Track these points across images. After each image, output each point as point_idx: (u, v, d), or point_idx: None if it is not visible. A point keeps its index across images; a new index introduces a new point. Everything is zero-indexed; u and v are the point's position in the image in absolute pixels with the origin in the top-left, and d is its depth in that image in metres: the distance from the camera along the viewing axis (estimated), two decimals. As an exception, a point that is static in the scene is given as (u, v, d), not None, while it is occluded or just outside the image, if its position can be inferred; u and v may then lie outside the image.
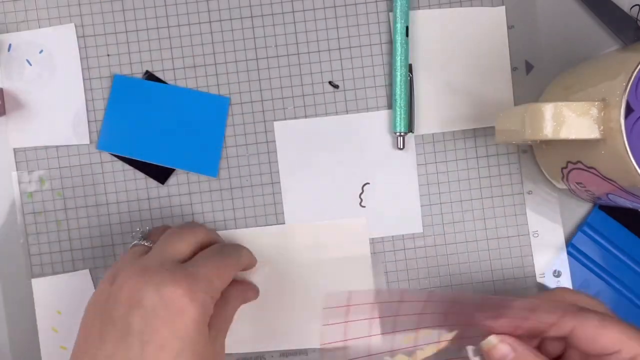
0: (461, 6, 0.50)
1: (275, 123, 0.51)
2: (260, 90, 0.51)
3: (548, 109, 0.38)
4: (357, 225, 0.51)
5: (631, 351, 0.38)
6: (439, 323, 0.42)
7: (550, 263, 0.50)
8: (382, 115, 0.51)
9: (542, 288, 0.51)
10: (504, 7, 0.50)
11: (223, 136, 0.51)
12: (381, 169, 0.51)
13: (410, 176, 0.51)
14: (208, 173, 0.51)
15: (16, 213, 0.51)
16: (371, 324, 0.43)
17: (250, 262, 0.48)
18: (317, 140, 0.51)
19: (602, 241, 0.50)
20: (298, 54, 0.51)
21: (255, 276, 0.50)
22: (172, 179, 0.51)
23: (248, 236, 0.51)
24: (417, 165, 0.51)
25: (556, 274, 0.50)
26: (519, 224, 0.51)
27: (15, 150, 0.51)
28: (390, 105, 0.51)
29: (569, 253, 0.50)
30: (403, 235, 0.51)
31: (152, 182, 0.51)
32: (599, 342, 0.39)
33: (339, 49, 0.51)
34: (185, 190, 0.51)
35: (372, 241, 0.51)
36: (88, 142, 0.51)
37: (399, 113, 0.50)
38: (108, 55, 0.51)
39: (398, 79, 0.50)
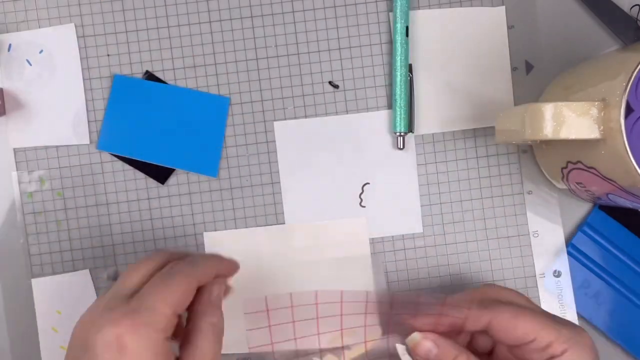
0: (461, 6, 0.50)
1: (275, 123, 0.51)
2: (260, 90, 0.51)
3: (548, 109, 0.38)
4: (357, 225, 0.51)
5: (545, 339, 0.40)
6: (360, 323, 0.44)
7: (550, 263, 0.50)
8: (382, 115, 0.51)
9: (542, 288, 0.51)
10: (504, 7, 0.50)
11: (223, 136, 0.51)
12: (381, 169, 0.51)
13: (410, 176, 0.51)
14: (208, 173, 0.51)
15: (16, 213, 0.51)
16: (295, 327, 0.44)
17: (219, 270, 0.44)
18: (317, 140, 0.51)
19: (602, 241, 0.50)
20: (298, 54, 0.51)
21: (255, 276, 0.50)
22: (172, 179, 0.51)
23: (248, 236, 0.51)
24: (417, 165, 0.51)
25: (556, 274, 0.50)
26: (519, 224, 0.51)
27: (15, 150, 0.51)
28: (390, 105, 0.51)
29: (569, 253, 0.50)
30: (403, 235, 0.51)
31: (152, 182, 0.51)
32: (513, 333, 0.41)
33: (339, 49, 0.51)
34: (185, 190, 0.51)
35: (372, 241, 0.51)
36: (88, 142, 0.51)
37: (399, 113, 0.50)
38: (108, 55, 0.51)
39: (398, 79, 0.50)
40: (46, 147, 0.51)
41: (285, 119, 0.51)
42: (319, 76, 0.51)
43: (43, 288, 0.51)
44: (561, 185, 0.47)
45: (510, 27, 0.51)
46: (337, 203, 0.51)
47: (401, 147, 0.50)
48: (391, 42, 0.50)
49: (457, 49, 0.50)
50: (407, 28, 0.50)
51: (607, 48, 0.50)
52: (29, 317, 0.51)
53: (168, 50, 0.51)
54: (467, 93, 0.50)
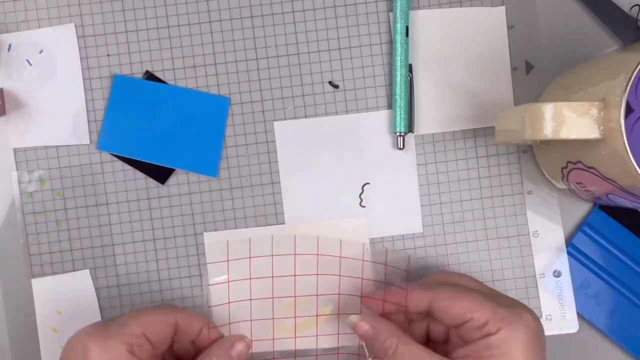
0: (461, 6, 0.50)
1: (275, 123, 0.51)
2: (260, 90, 0.51)
3: (548, 109, 0.38)
4: (357, 225, 0.51)
5: (481, 318, 0.41)
6: (313, 291, 0.48)
7: (550, 263, 0.50)
8: (382, 115, 0.51)
9: (542, 288, 0.51)
10: (504, 7, 0.50)
11: (223, 136, 0.51)
12: (381, 169, 0.51)
13: (410, 176, 0.51)
14: (208, 173, 0.51)
15: (16, 213, 0.51)
16: (251, 284, 0.49)
17: (203, 323, 0.46)
18: (317, 140, 0.51)
19: (602, 241, 0.50)
20: (298, 54, 0.51)
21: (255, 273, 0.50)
22: (172, 179, 0.51)
23: (248, 236, 0.51)
24: (417, 165, 0.51)
25: (556, 273, 0.50)
26: (519, 224, 0.51)
27: (15, 150, 0.51)
28: (390, 105, 0.51)
29: (569, 253, 0.50)
30: (403, 235, 0.51)
31: (152, 182, 0.51)
32: (451, 312, 0.42)
33: (339, 49, 0.51)
34: (185, 190, 0.51)
35: (372, 241, 0.51)
36: (88, 142, 0.51)
37: (399, 113, 0.50)
38: (108, 55, 0.51)
39: (398, 79, 0.50)
40: (46, 147, 0.51)
41: (285, 119, 0.51)
42: (319, 76, 0.51)
43: (43, 288, 0.51)
44: (561, 185, 0.47)
45: (510, 27, 0.50)
46: (337, 203, 0.51)
47: (401, 147, 0.50)
48: (391, 42, 0.50)
49: (457, 49, 0.50)
50: (407, 28, 0.50)
51: (607, 48, 0.50)
52: (29, 317, 0.51)
53: (168, 50, 0.51)
54: (467, 93, 0.50)
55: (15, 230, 0.51)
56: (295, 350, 0.50)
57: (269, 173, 0.51)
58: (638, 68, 0.37)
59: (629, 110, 0.37)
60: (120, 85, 0.51)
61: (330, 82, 0.51)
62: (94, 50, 0.51)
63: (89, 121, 0.51)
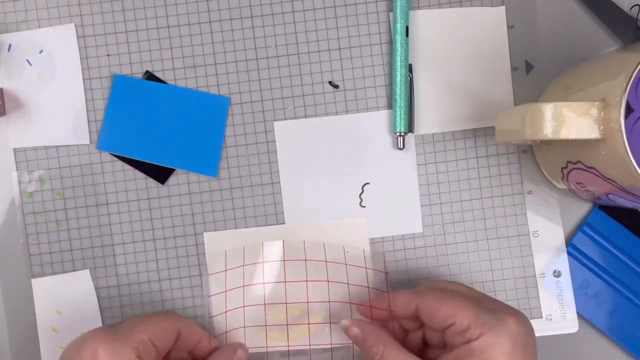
0: (461, 6, 0.50)
1: (275, 123, 0.51)
2: (260, 90, 0.51)
3: (548, 109, 0.38)
4: (357, 225, 0.51)
5: (464, 323, 0.41)
6: (304, 300, 0.49)
7: (550, 263, 0.50)
8: (382, 115, 0.51)
9: (542, 288, 0.51)
10: (504, 7, 0.50)
11: (223, 136, 0.51)
12: (381, 169, 0.51)
13: (410, 176, 0.51)
14: (208, 173, 0.51)
15: (16, 213, 0.51)
16: (244, 291, 0.49)
17: (192, 332, 0.47)
18: (317, 140, 0.51)
19: (602, 241, 0.50)
20: (298, 54, 0.51)
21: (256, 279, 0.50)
22: (172, 179, 0.51)
23: (248, 236, 0.51)
24: (417, 165, 0.51)
25: (556, 274, 0.50)
26: (519, 224, 0.51)
27: (15, 150, 0.51)
28: (390, 105, 0.51)
29: (569, 253, 0.50)
30: (403, 235, 0.51)
31: (152, 182, 0.51)
32: (436, 316, 0.42)
33: (339, 49, 0.51)
34: (185, 190, 0.51)
35: (372, 241, 0.51)
36: (88, 142, 0.51)
37: (399, 113, 0.50)
38: (108, 55, 0.51)
39: (398, 79, 0.50)
40: (46, 147, 0.51)
41: (285, 119, 0.51)
42: (319, 76, 0.51)
43: (43, 288, 0.51)
44: (561, 185, 0.47)
45: (510, 27, 0.50)
46: (337, 203, 0.51)
47: (401, 147, 0.50)
48: (391, 42, 0.50)
49: (457, 49, 0.50)
50: (407, 28, 0.50)
51: (607, 48, 0.50)
52: (29, 317, 0.51)
53: (168, 50, 0.51)
54: (467, 93, 0.50)
55: (15, 230, 0.51)
56: (288, 351, 0.50)
57: (269, 173, 0.51)
58: (638, 68, 0.37)
59: (629, 110, 0.37)
60: (120, 85, 0.51)
61: (330, 82, 0.51)
62: (94, 50, 0.51)
63: (89, 121, 0.51)
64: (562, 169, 0.44)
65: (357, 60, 0.51)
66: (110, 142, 0.51)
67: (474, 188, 0.51)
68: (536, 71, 0.51)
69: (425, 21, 0.50)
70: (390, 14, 0.50)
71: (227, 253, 0.50)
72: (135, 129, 0.50)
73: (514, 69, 0.51)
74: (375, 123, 0.51)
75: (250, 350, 0.49)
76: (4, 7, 0.51)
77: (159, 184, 0.51)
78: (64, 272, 0.51)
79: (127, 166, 0.51)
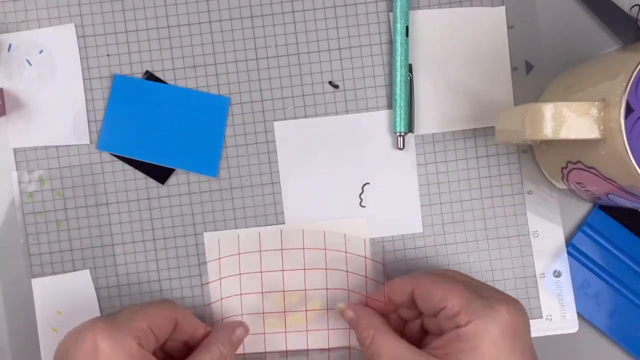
0: (461, 6, 0.50)
1: (275, 123, 0.51)
2: (260, 90, 0.51)
3: (548, 109, 0.38)
4: (357, 225, 0.51)
5: (455, 307, 0.41)
6: (301, 285, 0.49)
7: (550, 263, 0.50)
8: (382, 115, 0.51)
9: (542, 288, 0.51)
10: (504, 7, 0.50)
11: (223, 136, 0.51)
12: (381, 169, 0.51)
13: (410, 176, 0.51)
14: (208, 173, 0.51)
15: (16, 213, 0.51)
16: (241, 279, 0.50)
17: (189, 323, 0.47)
18: (317, 140, 0.51)
19: (602, 241, 0.50)
20: (298, 54, 0.51)
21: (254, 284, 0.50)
22: (172, 179, 0.51)
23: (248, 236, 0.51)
24: (417, 165, 0.51)
25: (556, 274, 0.50)
26: (519, 224, 0.51)
27: (15, 150, 0.51)
28: (390, 105, 0.51)
29: (569, 253, 0.50)
30: (403, 235, 0.51)
31: (152, 182, 0.51)
32: (430, 299, 0.42)
33: (339, 49, 0.51)
34: (185, 190, 0.51)
35: (372, 241, 0.51)
36: (88, 142, 0.51)
37: (399, 113, 0.50)
38: (108, 55, 0.51)
39: (398, 79, 0.50)
40: (46, 147, 0.51)
41: (285, 119, 0.51)
42: (319, 76, 0.51)
43: (43, 288, 0.51)
44: (561, 185, 0.47)
45: (510, 27, 0.50)
46: (337, 203, 0.51)
47: (401, 147, 0.50)
48: (391, 42, 0.50)
49: (457, 49, 0.50)
50: (407, 28, 0.50)
51: (607, 48, 0.50)
52: (29, 317, 0.51)
53: (168, 50, 0.51)
54: (467, 93, 0.50)
55: (15, 230, 0.51)
56: (286, 350, 0.50)
57: (269, 173, 0.51)
58: (638, 68, 0.37)
59: (629, 110, 0.37)
60: (120, 85, 0.51)
61: (330, 82, 0.51)
62: (94, 50, 0.51)
63: (89, 121, 0.51)
64: (562, 169, 0.44)
65: (357, 60, 0.51)
66: (110, 142, 0.51)
67: (474, 188, 0.51)
68: (536, 71, 0.51)
69: (425, 21, 0.50)
70: (390, 14, 0.50)
71: (220, 242, 0.50)
72: (135, 129, 0.50)
73: (514, 69, 0.51)
74: (375, 123, 0.51)
75: (249, 340, 0.49)
76: (4, 7, 0.51)
77: (159, 184, 0.51)
78: (64, 272, 0.51)
79: (127, 166, 0.51)
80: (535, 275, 0.51)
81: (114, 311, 0.46)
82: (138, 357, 0.42)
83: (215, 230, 0.51)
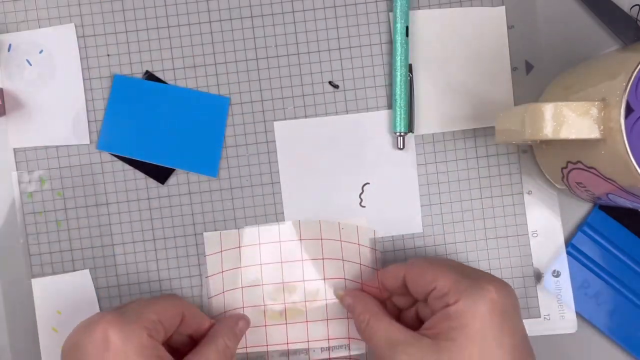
0: (461, 6, 0.50)
1: (275, 123, 0.51)
2: (260, 90, 0.51)
3: (548, 109, 0.38)
4: (360, 224, 0.51)
5: (444, 287, 0.42)
6: (300, 278, 0.49)
7: (550, 263, 0.50)
8: (382, 115, 0.51)
9: (542, 289, 0.51)
10: (504, 7, 0.50)
11: (223, 136, 0.51)
12: (381, 169, 0.51)
13: (410, 176, 0.51)
14: (208, 173, 0.51)
15: (16, 213, 0.51)
16: (241, 273, 0.50)
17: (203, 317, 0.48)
18: (317, 140, 0.51)
19: (602, 241, 0.50)
20: (298, 54, 0.51)
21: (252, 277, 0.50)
22: (172, 179, 0.51)
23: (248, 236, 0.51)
24: (417, 165, 0.51)
25: (555, 274, 0.50)
26: (519, 224, 0.51)
27: (15, 150, 0.51)
28: (390, 105, 0.51)
29: (569, 253, 0.50)
30: (403, 235, 0.51)
31: (152, 182, 0.51)
32: (420, 283, 0.44)
33: (339, 49, 0.51)
34: (185, 190, 0.51)
35: (372, 241, 0.51)
36: (88, 142, 0.51)
37: (399, 113, 0.50)
38: (108, 55, 0.51)
39: (398, 79, 0.50)
40: (46, 147, 0.51)
41: (285, 119, 0.51)
42: (319, 76, 0.51)
43: (43, 288, 0.51)
44: (561, 185, 0.47)
45: (510, 27, 0.51)
46: (337, 203, 0.51)
47: (401, 147, 0.50)
48: (391, 42, 0.50)
49: (457, 49, 0.50)
50: (407, 28, 0.50)
51: (607, 48, 0.50)
52: (29, 317, 0.51)
53: (168, 50, 0.51)
54: (467, 93, 0.50)
55: (15, 230, 0.51)
56: (287, 350, 0.50)
57: (269, 173, 0.51)
58: (638, 68, 0.37)
59: (629, 110, 0.37)
60: (120, 85, 0.51)
61: (330, 82, 0.51)
62: (94, 50, 0.51)
63: (89, 121, 0.51)
64: (562, 169, 0.44)
65: (357, 60, 0.51)
66: (110, 142, 0.51)
67: (474, 188, 0.51)
68: (536, 71, 0.51)
69: (425, 21, 0.51)
70: (390, 14, 0.50)
71: (222, 235, 0.50)
72: (135, 129, 0.50)
73: (514, 69, 0.51)
74: (375, 123, 0.51)
75: (250, 339, 0.49)
76: (4, 7, 0.51)
77: (159, 184, 0.51)
78: (64, 272, 0.51)
79: (127, 166, 0.51)
80: (534, 275, 0.51)
81: (121, 305, 0.46)
82: (149, 348, 0.42)
83: (215, 230, 0.51)
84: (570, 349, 0.50)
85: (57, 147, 0.51)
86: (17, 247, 0.51)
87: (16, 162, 0.51)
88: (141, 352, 0.41)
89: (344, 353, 0.50)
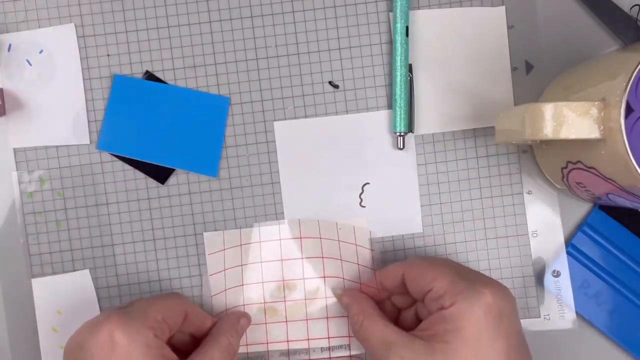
0: (461, 6, 0.50)
1: (275, 123, 0.51)
2: (260, 90, 0.51)
3: (548, 109, 0.38)
4: (357, 225, 0.51)
5: (440, 289, 0.42)
6: (300, 274, 0.50)
7: (550, 263, 0.50)
8: (382, 115, 0.51)
9: (542, 289, 0.51)
10: (504, 7, 0.50)
11: (223, 136, 0.51)
12: (381, 169, 0.51)
13: (410, 176, 0.51)
14: (208, 173, 0.51)
15: (16, 213, 0.51)
16: (242, 270, 0.50)
17: (198, 316, 0.48)
18: (317, 140, 0.51)
19: (602, 241, 0.50)
20: (298, 54, 0.51)
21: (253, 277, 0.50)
22: (172, 179, 0.51)
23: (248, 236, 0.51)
24: (417, 165, 0.51)
25: (555, 274, 0.50)
26: (519, 223, 0.51)
27: (15, 150, 0.51)
28: (390, 105, 0.51)
29: (568, 253, 0.50)
30: (403, 235, 0.51)
31: (152, 182, 0.51)
32: (418, 282, 0.44)
33: (339, 49, 0.51)
34: (185, 190, 0.51)
35: (372, 241, 0.51)
36: (88, 142, 0.51)
37: (399, 113, 0.50)
38: (108, 55, 0.51)
39: (398, 79, 0.50)
40: (46, 147, 0.51)
41: (285, 119, 0.51)
42: (319, 76, 0.51)
43: (43, 288, 0.51)
44: (561, 185, 0.47)
45: (510, 27, 0.51)
46: (337, 203, 0.51)
47: (401, 147, 0.50)
48: (391, 42, 0.50)
49: (457, 49, 0.50)
50: (407, 28, 0.50)
51: (607, 48, 0.50)
52: (29, 317, 0.51)
53: (168, 50, 0.51)
54: (467, 93, 0.50)
55: (15, 230, 0.51)
56: (288, 350, 0.50)
57: (269, 173, 0.51)
58: (638, 68, 0.37)
59: (629, 110, 0.37)
60: (120, 85, 0.51)
61: (330, 82, 0.51)
62: (94, 50, 0.51)
63: (89, 121, 0.51)
64: (562, 169, 0.44)
65: (357, 60, 0.51)
66: (110, 142, 0.51)
67: (474, 188, 0.51)
68: (536, 71, 0.51)
69: (425, 21, 0.51)
70: (390, 14, 0.50)
71: (223, 234, 0.50)
72: (135, 129, 0.50)
73: (514, 69, 0.51)
74: (375, 123, 0.51)
75: (251, 337, 0.49)
76: (4, 7, 0.51)
77: (159, 184, 0.51)
78: (64, 272, 0.51)
79: (127, 166, 0.51)
80: (534, 275, 0.51)
81: (124, 304, 0.46)
82: (155, 348, 0.42)
83: (215, 230, 0.51)
84: (570, 349, 0.50)
85: (57, 147, 0.51)
86: (17, 247, 0.51)
87: (16, 162, 0.51)
88: (147, 352, 0.41)
89: (344, 353, 0.50)
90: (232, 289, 0.50)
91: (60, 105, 0.51)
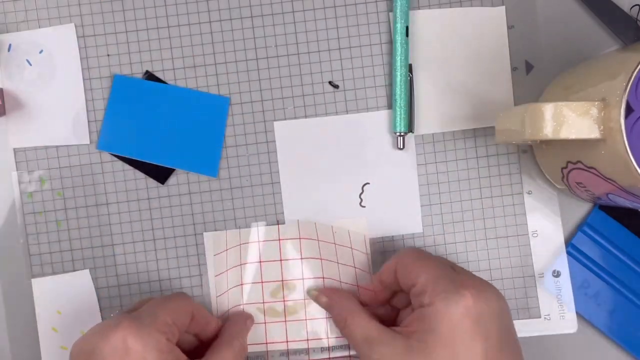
0: (461, 6, 0.50)
1: (275, 123, 0.51)
2: (260, 90, 0.51)
3: (548, 109, 0.38)
4: (357, 225, 0.51)
5: (423, 285, 0.42)
6: (299, 275, 0.49)
7: (550, 263, 0.50)
8: (382, 115, 0.51)
9: (541, 288, 0.51)
10: (504, 7, 0.50)
11: (223, 136, 0.51)
12: (381, 169, 0.51)
13: (410, 176, 0.51)
14: (208, 173, 0.51)
15: (16, 213, 0.51)
16: (242, 270, 0.50)
17: (203, 316, 0.48)
18: (317, 140, 0.51)
19: (602, 241, 0.50)
20: (298, 54, 0.51)
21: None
22: (172, 179, 0.51)
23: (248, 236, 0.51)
24: (417, 165, 0.51)
25: (555, 273, 0.50)
26: (519, 224, 0.51)
27: (15, 150, 0.51)
28: (390, 105, 0.51)
29: (569, 253, 0.50)
30: (403, 235, 0.51)
31: (152, 182, 0.51)
32: (406, 275, 0.44)
33: (339, 49, 0.51)
34: (185, 190, 0.51)
35: (372, 241, 0.51)
36: (88, 142, 0.51)
37: (399, 113, 0.50)
38: (108, 55, 0.51)
39: (398, 79, 0.50)
40: (46, 147, 0.51)
41: (285, 119, 0.51)
42: (319, 76, 0.51)
43: (43, 288, 0.51)
44: (561, 185, 0.47)
45: (510, 27, 0.51)
46: (337, 203, 0.51)
47: (401, 147, 0.50)
48: (391, 42, 0.50)
49: (457, 49, 0.50)
50: (407, 28, 0.50)
51: (607, 48, 0.50)
52: (29, 317, 0.51)
53: (168, 50, 0.51)
54: (467, 93, 0.50)
55: (15, 230, 0.51)
56: (287, 350, 0.50)
57: (269, 173, 0.51)
58: (638, 68, 0.37)
59: (629, 110, 0.37)
60: (120, 85, 0.51)
61: (330, 82, 0.51)
62: (94, 50, 0.51)
63: (89, 121, 0.51)
64: (562, 169, 0.44)
65: (357, 60, 0.51)
66: (110, 142, 0.51)
67: (474, 188, 0.51)
68: (536, 71, 0.51)
69: (425, 21, 0.51)
70: (390, 14, 0.50)
71: (225, 234, 0.50)
72: (135, 129, 0.50)
73: (514, 69, 0.51)
74: (375, 123, 0.51)
75: (251, 337, 0.49)
76: (4, 7, 0.51)
77: (159, 184, 0.51)
78: (64, 272, 0.51)
79: (127, 166, 0.51)
80: (534, 275, 0.51)
81: (133, 307, 0.46)
82: (167, 352, 0.42)
83: (215, 230, 0.51)
84: (570, 349, 0.50)
85: (57, 147, 0.51)
86: (17, 247, 0.51)
87: (16, 162, 0.51)
88: (160, 356, 0.41)
89: (343, 353, 0.50)
90: (232, 289, 0.50)
91: (60, 105, 0.51)
